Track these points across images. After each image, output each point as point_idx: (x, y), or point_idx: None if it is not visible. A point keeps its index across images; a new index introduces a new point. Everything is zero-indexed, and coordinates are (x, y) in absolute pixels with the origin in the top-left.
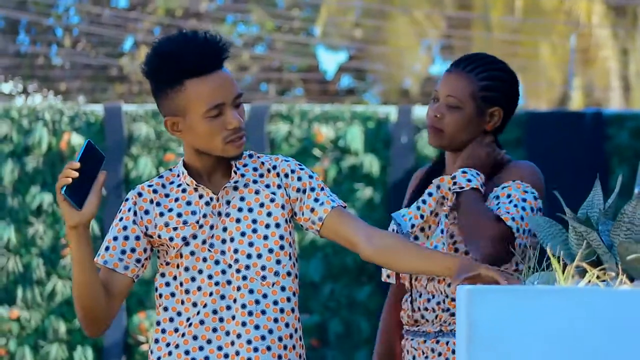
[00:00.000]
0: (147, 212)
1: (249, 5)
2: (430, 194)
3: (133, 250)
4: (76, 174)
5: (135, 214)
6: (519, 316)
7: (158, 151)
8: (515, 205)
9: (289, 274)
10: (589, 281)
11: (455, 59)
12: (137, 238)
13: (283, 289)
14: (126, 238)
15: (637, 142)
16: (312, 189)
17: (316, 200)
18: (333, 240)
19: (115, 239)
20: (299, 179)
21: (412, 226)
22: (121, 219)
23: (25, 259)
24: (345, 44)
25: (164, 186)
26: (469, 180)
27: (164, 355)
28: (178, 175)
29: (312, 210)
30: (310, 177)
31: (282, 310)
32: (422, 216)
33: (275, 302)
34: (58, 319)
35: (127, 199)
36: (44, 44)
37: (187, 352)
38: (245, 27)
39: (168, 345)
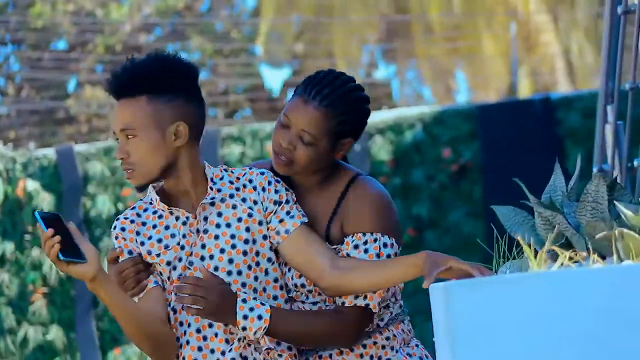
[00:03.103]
0: (136, 242)
1: (188, 33)
2: None
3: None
4: (58, 238)
5: (130, 252)
6: (499, 307)
7: (114, 187)
8: None
9: (264, 290)
10: (562, 264)
11: (307, 81)
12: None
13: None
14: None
15: (588, 122)
16: (287, 202)
17: (288, 213)
18: (289, 259)
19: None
20: (276, 191)
21: None
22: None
23: None
24: (287, 60)
25: (139, 215)
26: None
27: None
28: (151, 203)
29: (281, 221)
30: (287, 190)
31: None
32: None
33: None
34: None
35: (115, 238)
36: None
37: None
38: (186, 54)
39: None
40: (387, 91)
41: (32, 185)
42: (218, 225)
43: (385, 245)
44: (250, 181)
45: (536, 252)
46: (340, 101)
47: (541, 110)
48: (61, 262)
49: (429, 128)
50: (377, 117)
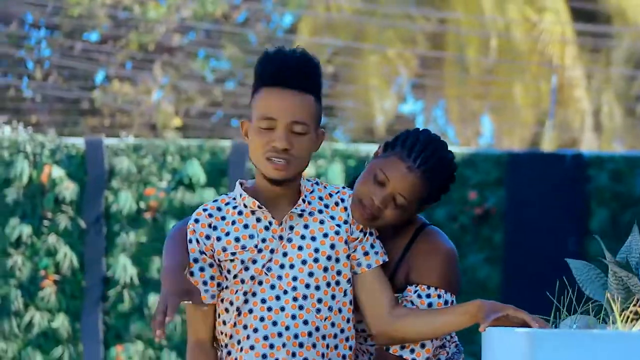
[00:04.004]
0: (208, 238)
1: (222, 41)
2: None
3: (212, 277)
4: None
5: (198, 242)
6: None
7: (139, 185)
8: None
9: (340, 310)
10: None
11: (410, 144)
12: (211, 265)
13: (333, 324)
14: (202, 269)
15: (615, 184)
16: (371, 233)
17: (372, 246)
18: (355, 291)
19: (192, 274)
20: None
21: None
22: (188, 253)
23: (3, 290)
24: None
25: (219, 209)
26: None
27: None
28: (234, 198)
29: (366, 254)
30: None
31: (327, 346)
32: None
33: (324, 337)
34: (35, 350)
35: (188, 230)
36: (15, 76)
37: None
38: (216, 62)
39: None
40: (411, 126)
41: (57, 172)
42: (303, 237)
43: (446, 302)
44: (342, 200)
45: (598, 309)
46: (440, 175)
47: (572, 166)
48: None
49: (459, 169)
50: None
